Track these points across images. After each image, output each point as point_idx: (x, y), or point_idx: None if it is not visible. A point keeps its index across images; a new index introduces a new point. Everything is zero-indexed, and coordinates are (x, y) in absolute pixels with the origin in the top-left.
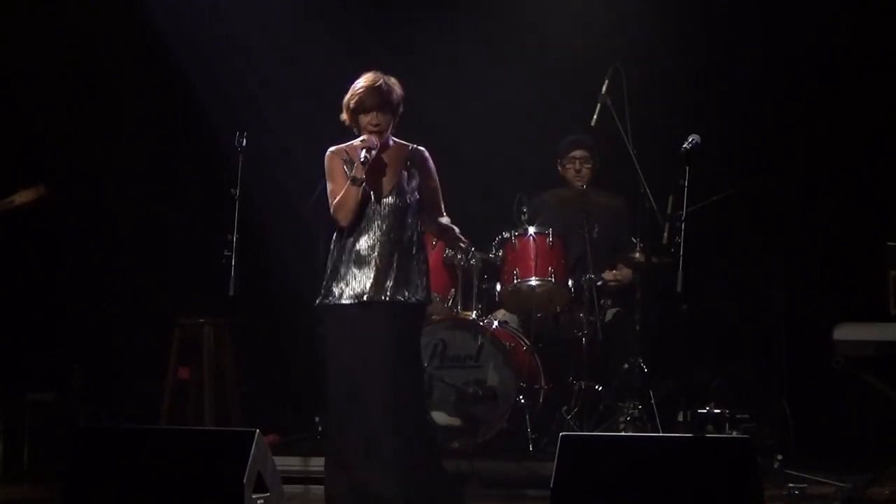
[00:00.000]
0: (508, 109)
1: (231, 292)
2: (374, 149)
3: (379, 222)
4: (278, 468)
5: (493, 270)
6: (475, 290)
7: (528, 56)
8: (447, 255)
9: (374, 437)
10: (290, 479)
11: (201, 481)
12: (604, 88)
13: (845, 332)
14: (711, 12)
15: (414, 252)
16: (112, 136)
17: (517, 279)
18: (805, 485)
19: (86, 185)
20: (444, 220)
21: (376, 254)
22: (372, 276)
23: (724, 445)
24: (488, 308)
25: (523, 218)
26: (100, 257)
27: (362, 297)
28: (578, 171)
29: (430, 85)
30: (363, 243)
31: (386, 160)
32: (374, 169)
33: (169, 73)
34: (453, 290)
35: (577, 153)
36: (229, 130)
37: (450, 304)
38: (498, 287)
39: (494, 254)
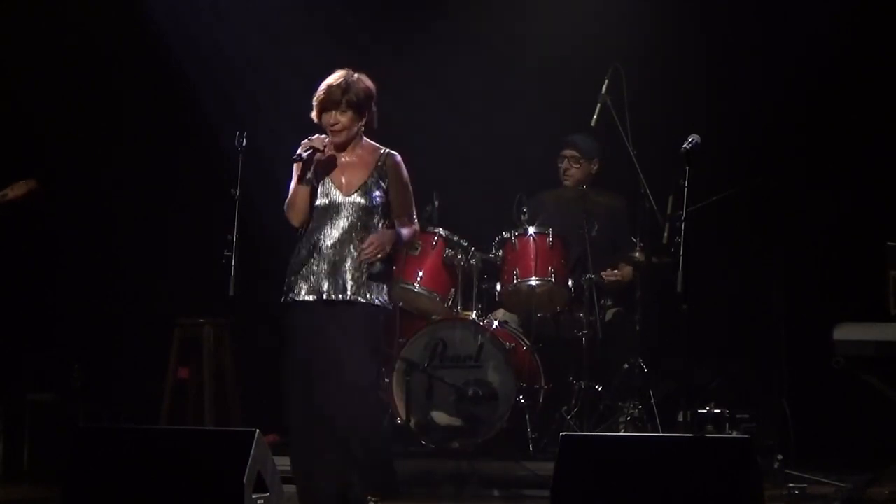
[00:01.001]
0: (509, 109)
1: (231, 292)
2: (317, 149)
3: (343, 220)
4: (278, 468)
5: (493, 270)
6: (475, 289)
7: (528, 56)
8: (447, 255)
9: (318, 435)
10: (290, 479)
11: (201, 481)
12: (604, 88)
13: (845, 332)
14: (711, 12)
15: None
16: (112, 135)
17: (517, 279)
18: (805, 485)
19: (86, 184)
20: (404, 230)
21: (337, 251)
22: (332, 273)
23: (724, 445)
24: (488, 308)
25: (523, 218)
26: (100, 257)
27: (321, 294)
28: (567, 170)
29: (431, 85)
30: (325, 240)
31: (355, 159)
32: (335, 169)
33: (169, 73)
34: (453, 289)
35: (567, 152)
36: (229, 130)
37: (450, 303)
38: (498, 287)
39: (494, 254)
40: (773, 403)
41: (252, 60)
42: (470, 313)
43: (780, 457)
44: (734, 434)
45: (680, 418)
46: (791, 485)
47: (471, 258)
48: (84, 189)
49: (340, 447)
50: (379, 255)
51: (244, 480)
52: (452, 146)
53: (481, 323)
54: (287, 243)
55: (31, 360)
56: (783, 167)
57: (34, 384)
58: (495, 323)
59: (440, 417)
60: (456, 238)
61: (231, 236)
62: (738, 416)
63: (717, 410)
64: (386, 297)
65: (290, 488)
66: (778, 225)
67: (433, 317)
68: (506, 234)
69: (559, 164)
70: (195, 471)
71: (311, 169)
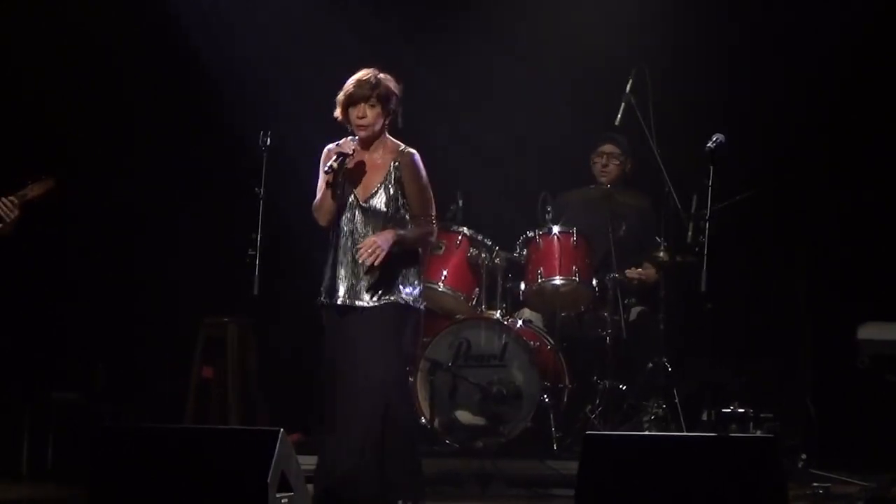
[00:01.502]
0: (533, 108)
1: (255, 291)
2: (347, 155)
3: (362, 223)
4: (302, 468)
5: (518, 269)
6: (499, 289)
7: (553, 55)
8: (471, 255)
9: (346, 432)
10: (312, 478)
11: (225, 481)
12: (628, 87)
13: (870, 332)
14: (736, 11)
15: (398, 253)
16: (137, 134)
17: (541, 278)
18: (829, 484)
19: (110, 183)
20: (414, 230)
21: (353, 254)
22: (354, 275)
23: (748, 445)
24: (512, 307)
25: (548, 217)
26: (124, 257)
27: (345, 296)
28: (605, 167)
29: (456, 84)
30: (346, 243)
31: (377, 161)
32: (355, 171)
33: (193, 72)
34: (477, 289)
35: (607, 148)
36: (253, 129)
37: (474, 303)
38: (522, 286)
39: (519, 253)
40: (798, 403)
41: (276, 59)
42: (494, 312)
43: (804, 456)
44: (758, 433)
45: (704, 417)
46: (815, 484)
47: (495, 257)
48: (108, 188)
49: (369, 447)
50: (377, 257)
51: (268, 480)
52: (477, 146)
53: (505, 322)
54: (312, 243)
55: (55, 360)
56: (807, 166)
57: (59, 384)
58: (519, 322)
59: (464, 417)
60: (480, 237)
61: (255, 235)
62: (761, 415)
63: (741, 410)
64: (411, 297)
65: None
66: (801, 224)
67: (457, 316)
68: (530, 234)
69: (595, 161)
70: (219, 470)
71: (341, 174)
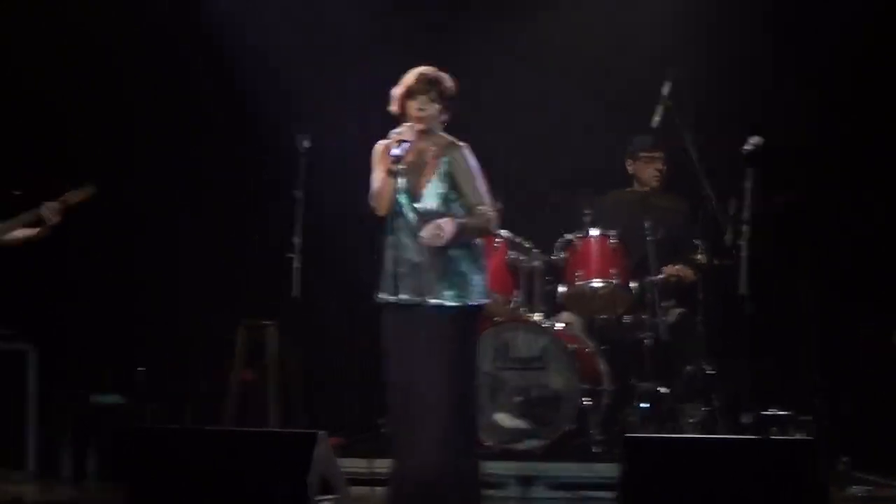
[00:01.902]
0: (572, 111)
1: (295, 293)
2: (408, 142)
3: (420, 218)
4: (343, 470)
5: (556, 272)
6: (538, 291)
7: (591, 57)
8: (510, 257)
9: (419, 427)
10: (354, 480)
11: (265, 483)
12: (666, 90)
13: None
14: (774, 13)
15: (455, 250)
16: (177, 137)
17: (580, 281)
18: (871, 487)
19: (151, 186)
20: (476, 218)
21: (414, 251)
22: (413, 274)
23: (789, 447)
24: (551, 310)
25: (586, 220)
26: (165, 259)
27: (405, 295)
28: (660, 171)
29: (494, 87)
30: (402, 239)
31: (431, 156)
32: (412, 163)
33: (235, 75)
34: (516, 291)
35: (657, 154)
36: (293, 132)
37: (512, 305)
38: (560, 289)
39: (557, 255)
40: (839, 405)
41: (314, 61)
42: (533, 315)
43: (845, 459)
44: (799, 436)
45: (744, 420)
46: (856, 487)
47: (533, 260)
48: (149, 192)
49: (438, 443)
50: (442, 239)
51: (308, 482)
52: (515, 148)
53: (544, 325)
54: (351, 244)
55: (97, 363)
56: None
57: (100, 386)
58: (558, 325)
59: (504, 419)
60: (519, 240)
61: (295, 238)
62: (802, 417)
63: (782, 412)
64: (472, 295)
65: (355, 490)
66: (840, 223)
67: (496, 319)
68: (568, 236)
69: (649, 167)
70: (259, 472)
71: (401, 161)
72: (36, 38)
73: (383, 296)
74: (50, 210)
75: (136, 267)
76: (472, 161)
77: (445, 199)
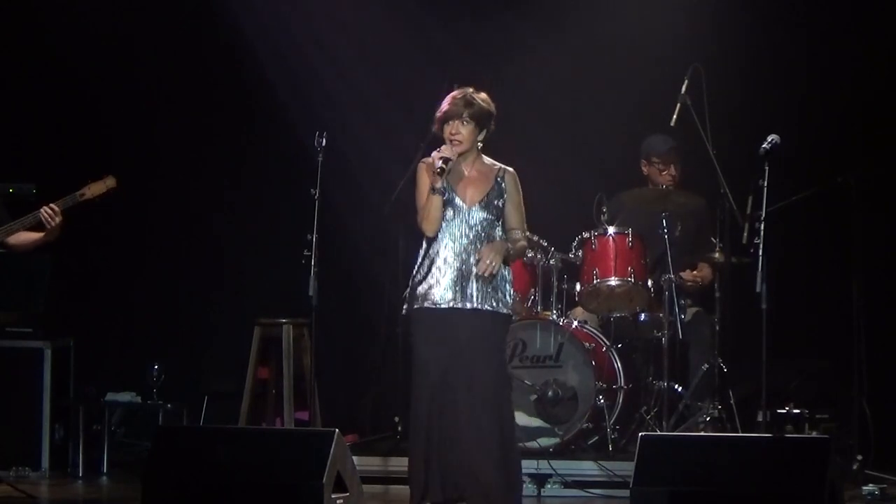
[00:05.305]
0: (589, 109)
1: (311, 292)
2: (450, 159)
3: (467, 230)
4: (358, 468)
5: (573, 270)
6: (555, 289)
7: (607, 55)
8: (526, 256)
9: (456, 435)
10: (369, 479)
11: (280, 481)
12: (683, 88)
13: None
14: (791, 11)
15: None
16: (193, 135)
17: (597, 279)
18: (885, 485)
19: (166, 184)
20: (520, 245)
21: (464, 261)
22: (459, 281)
23: (804, 446)
24: (568, 308)
25: (603, 218)
26: (180, 257)
27: (450, 302)
28: (673, 177)
29: (512, 86)
30: (451, 250)
31: (475, 173)
32: (457, 180)
33: (251, 74)
34: (532, 289)
35: (672, 157)
36: (310, 131)
37: (529, 303)
38: (577, 287)
39: (574, 254)
40: (854, 403)
41: (332, 61)
42: (549, 313)
43: (859, 457)
44: (814, 434)
45: (759, 418)
46: (871, 485)
47: (550, 258)
48: (166, 189)
49: (476, 452)
50: (495, 267)
51: (324, 480)
52: (532, 146)
53: (561, 323)
54: (367, 243)
55: (111, 360)
56: (862, 163)
57: (114, 384)
58: (575, 323)
59: (519, 417)
60: (535, 238)
61: (311, 236)
62: (817, 416)
63: (797, 411)
64: (510, 304)
65: (370, 488)
66: (856, 221)
67: (513, 317)
68: (585, 234)
69: (664, 172)
70: (274, 470)
71: (445, 179)
72: (61, 34)
73: (427, 304)
74: (48, 213)
75: (150, 265)
76: (520, 188)
77: (496, 213)
